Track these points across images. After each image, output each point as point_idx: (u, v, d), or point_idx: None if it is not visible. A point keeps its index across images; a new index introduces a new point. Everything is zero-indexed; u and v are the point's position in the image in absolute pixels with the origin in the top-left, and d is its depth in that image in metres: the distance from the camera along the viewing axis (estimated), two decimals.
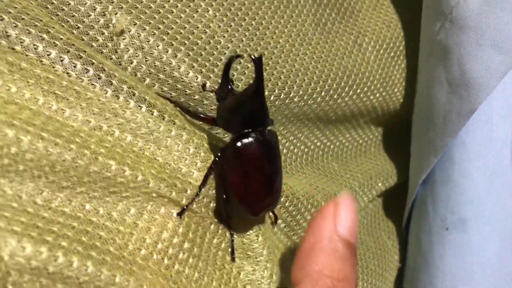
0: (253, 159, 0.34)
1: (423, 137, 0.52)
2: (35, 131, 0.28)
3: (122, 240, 0.30)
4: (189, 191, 0.33)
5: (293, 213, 0.43)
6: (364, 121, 0.55)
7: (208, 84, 0.36)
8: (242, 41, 0.41)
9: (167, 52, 0.36)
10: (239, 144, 0.33)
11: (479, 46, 0.45)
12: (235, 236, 0.36)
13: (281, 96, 0.43)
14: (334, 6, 0.50)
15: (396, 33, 0.56)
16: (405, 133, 0.58)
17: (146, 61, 0.35)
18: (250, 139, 0.33)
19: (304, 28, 0.47)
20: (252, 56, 0.30)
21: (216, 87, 0.35)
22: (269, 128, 0.35)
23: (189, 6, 0.39)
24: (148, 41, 0.36)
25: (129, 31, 0.35)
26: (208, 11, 0.40)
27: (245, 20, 0.42)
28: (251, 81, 0.40)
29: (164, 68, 0.36)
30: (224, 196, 0.34)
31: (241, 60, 0.40)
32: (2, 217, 0.26)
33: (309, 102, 0.46)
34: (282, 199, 0.41)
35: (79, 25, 0.34)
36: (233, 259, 0.35)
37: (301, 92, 0.45)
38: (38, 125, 0.28)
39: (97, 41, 0.34)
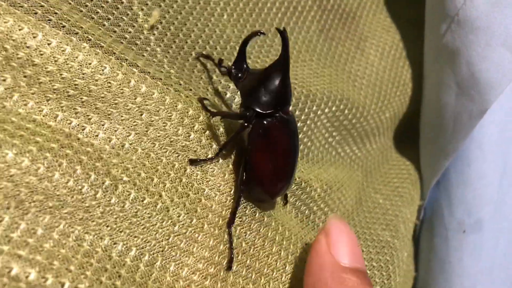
0: (280, 141, 0.33)
1: (432, 142, 0.52)
2: None
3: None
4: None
5: (306, 200, 0.41)
6: (386, 124, 0.54)
7: (223, 69, 0.34)
8: (255, 47, 0.41)
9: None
10: (269, 124, 0.32)
11: (488, 46, 0.44)
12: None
13: (304, 93, 0.42)
14: (337, 12, 0.49)
15: (397, 38, 0.56)
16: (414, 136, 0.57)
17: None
18: (279, 120, 0.32)
19: (309, 34, 0.46)
20: (278, 29, 0.29)
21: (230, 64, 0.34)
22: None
23: (206, 9, 0.38)
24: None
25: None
26: (223, 16, 0.39)
27: (255, 26, 0.41)
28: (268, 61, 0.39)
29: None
30: (244, 176, 0.32)
31: (259, 40, 0.39)
32: None
33: (329, 101, 0.45)
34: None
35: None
36: (229, 226, 0.32)
37: (319, 94, 0.44)
38: None
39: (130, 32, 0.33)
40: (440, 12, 0.48)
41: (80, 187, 0.27)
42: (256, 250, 0.34)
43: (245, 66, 0.32)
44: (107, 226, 0.27)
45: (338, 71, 0.47)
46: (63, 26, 0.28)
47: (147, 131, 0.30)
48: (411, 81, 0.55)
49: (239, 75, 0.32)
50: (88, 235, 0.26)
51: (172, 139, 0.31)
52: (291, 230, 0.37)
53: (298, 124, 0.41)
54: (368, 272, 0.42)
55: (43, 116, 0.27)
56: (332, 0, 0.49)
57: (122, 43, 0.32)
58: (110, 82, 0.29)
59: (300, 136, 0.41)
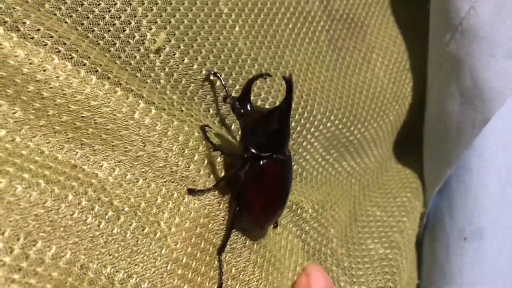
0: (274, 180, 0.34)
1: (435, 150, 0.52)
2: None
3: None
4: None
5: (298, 221, 0.43)
6: (383, 137, 0.55)
7: (228, 99, 0.35)
8: (266, 59, 0.41)
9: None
10: (265, 166, 0.33)
11: (492, 56, 0.45)
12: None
13: (305, 115, 0.43)
14: (345, 21, 0.50)
15: (402, 48, 0.56)
16: (414, 147, 0.58)
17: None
18: (275, 161, 0.33)
19: (319, 46, 0.46)
20: (285, 76, 0.29)
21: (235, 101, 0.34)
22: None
23: (218, 22, 0.38)
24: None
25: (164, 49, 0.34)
26: (235, 28, 0.39)
27: (267, 38, 0.41)
28: (276, 101, 0.40)
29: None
30: (237, 208, 0.34)
31: (267, 79, 0.39)
32: None
33: (331, 118, 0.45)
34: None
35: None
36: (219, 253, 0.34)
37: (322, 110, 0.44)
38: None
39: (135, 58, 0.33)
40: (444, 21, 0.49)
41: (84, 218, 0.28)
42: (246, 275, 0.35)
43: (249, 104, 0.33)
44: (110, 255, 0.28)
45: (345, 84, 0.47)
46: (72, 58, 0.29)
47: (149, 162, 0.31)
48: (411, 93, 0.56)
49: (242, 111, 0.33)
50: (92, 264, 0.28)
51: (172, 170, 0.32)
52: (276, 256, 0.38)
53: (294, 146, 0.43)
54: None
55: (51, 148, 0.28)
56: (341, 10, 0.49)
57: (127, 70, 0.32)
58: (115, 115, 0.30)
59: (296, 157, 0.43)
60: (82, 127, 0.29)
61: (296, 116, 0.42)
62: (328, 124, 0.45)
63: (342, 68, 0.49)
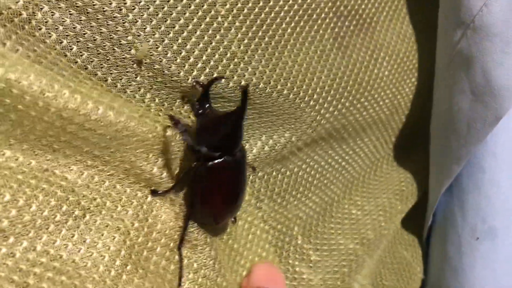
0: (222, 181, 0.36)
1: (444, 147, 0.51)
2: None
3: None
4: None
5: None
6: (374, 137, 0.53)
7: (187, 99, 0.36)
8: (261, 62, 0.39)
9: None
10: (211, 166, 0.34)
11: (505, 54, 0.44)
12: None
13: (297, 112, 0.43)
14: (353, 18, 0.47)
15: (409, 46, 0.54)
16: (417, 147, 0.57)
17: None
18: (223, 162, 0.35)
19: (322, 44, 0.44)
20: (241, 85, 0.31)
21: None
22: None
23: (212, 25, 0.36)
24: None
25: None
26: (230, 30, 0.37)
27: (264, 39, 0.39)
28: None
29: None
30: (191, 203, 0.36)
31: (230, 83, 0.38)
32: None
33: (322, 121, 0.45)
34: None
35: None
36: (179, 248, 0.36)
37: (317, 107, 0.44)
38: None
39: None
40: (455, 18, 0.48)
41: (53, 216, 0.30)
42: (207, 270, 0.37)
43: (207, 105, 0.35)
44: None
45: (349, 84, 0.46)
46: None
47: (116, 166, 0.33)
48: (414, 94, 0.54)
49: (200, 111, 0.35)
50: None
51: (136, 172, 0.34)
52: (240, 252, 0.41)
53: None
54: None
55: (25, 154, 0.30)
56: (350, 6, 0.46)
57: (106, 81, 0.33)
58: (85, 125, 0.31)
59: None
60: (55, 136, 0.30)
61: (286, 116, 0.42)
62: (323, 123, 0.45)
63: (348, 66, 0.47)
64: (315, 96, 0.43)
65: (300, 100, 0.42)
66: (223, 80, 0.35)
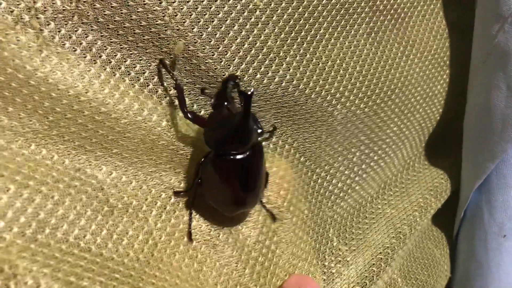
0: (227, 176, 0.36)
1: (478, 144, 0.51)
2: None
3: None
4: None
5: None
6: (407, 137, 0.53)
7: (207, 91, 0.36)
8: (296, 57, 0.39)
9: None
10: (217, 162, 0.35)
11: None
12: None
13: (329, 109, 0.42)
14: (388, 12, 0.46)
15: (441, 43, 0.53)
16: (448, 144, 0.56)
17: None
18: (228, 159, 0.35)
19: (356, 39, 0.44)
20: (242, 91, 0.30)
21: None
22: (257, 143, 0.36)
23: (250, 19, 0.36)
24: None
25: None
26: (268, 24, 0.37)
27: (301, 33, 0.39)
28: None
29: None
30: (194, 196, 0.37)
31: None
32: None
33: (353, 118, 0.44)
34: None
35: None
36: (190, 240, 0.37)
37: (346, 105, 0.43)
38: None
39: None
40: (493, 12, 0.47)
41: (84, 212, 0.31)
42: (229, 269, 0.38)
43: (225, 101, 0.34)
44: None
45: (380, 81, 0.45)
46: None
47: (143, 167, 0.35)
48: (446, 92, 0.53)
49: (216, 106, 0.35)
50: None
51: (161, 174, 0.36)
52: (276, 252, 0.40)
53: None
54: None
55: (60, 153, 0.31)
56: (385, 1, 0.46)
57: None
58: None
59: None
60: (87, 137, 0.32)
61: (319, 113, 0.41)
62: (354, 119, 0.44)
63: (380, 62, 0.46)
64: (346, 93, 0.43)
65: (332, 97, 0.42)
66: (238, 80, 0.35)
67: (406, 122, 0.50)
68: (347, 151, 0.46)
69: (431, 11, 0.52)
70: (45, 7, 0.29)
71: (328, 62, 0.41)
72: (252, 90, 0.29)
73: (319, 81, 0.40)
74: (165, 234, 0.35)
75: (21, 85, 0.29)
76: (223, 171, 0.35)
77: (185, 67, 0.33)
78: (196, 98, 0.36)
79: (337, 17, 0.42)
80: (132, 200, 0.34)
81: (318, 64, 0.40)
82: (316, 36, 0.40)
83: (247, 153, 0.35)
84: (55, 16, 0.29)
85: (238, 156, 0.35)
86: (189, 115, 0.34)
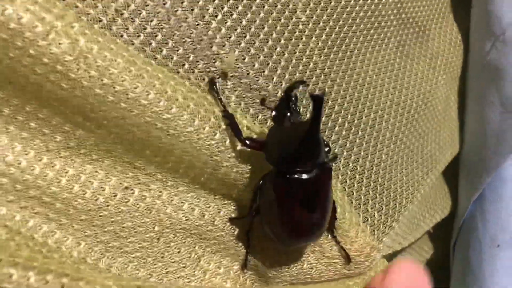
0: (290, 199, 0.30)
1: (474, 157, 0.50)
2: None
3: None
4: None
5: None
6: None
7: (267, 101, 0.31)
8: (339, 73, 0.35)
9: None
10: (279, 181, 0.30)
11: None
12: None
13: (368, 130, 0.38)
14: (411, 25, 0.44)
15: (459, 53, 0.51)
16: None
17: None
18: (293, 179, 0.29)
19: (387, 53, 0.41)
20: (313, 94, 0.25)
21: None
22: (324, 162, 0.30)
23: (295, 32, 0.32)
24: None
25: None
26: (311, 38, 0.33)
27: (342, 47, 0.36)
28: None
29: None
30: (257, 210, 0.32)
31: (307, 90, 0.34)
32: None
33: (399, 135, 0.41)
34: None
35: None
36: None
37: (384, 124, 0.40)
38: None
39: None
40: (485, 30, 0.48)
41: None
42: None
43: (288, 112, 0.29)
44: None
45: (409, 94, 0.42)
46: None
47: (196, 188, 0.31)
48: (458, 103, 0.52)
49: (277, 118, 0.30)
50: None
51: (215, 197, 0.32)
52: None
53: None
54: None
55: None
56: (409, 13, 0.44)
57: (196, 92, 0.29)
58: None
59: None
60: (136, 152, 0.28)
61: (360, 133, 0.37)
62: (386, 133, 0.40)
63: (411, 76, 0.43)
64: (386, 109, 0.40)
65: (375, 114, 0.38)
66: (306, 85, 0.31)
67: (439, 135, 0.47)
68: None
69: (446, 23, 0.50)
70: None
71: (366, 78, 0.38)
72: (323, 92, 0.24)
73: (360, 99, 0.37)
74: (214, 261, 0.32)
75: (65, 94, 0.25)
76: (286, 192, 0.30)
77: (234, 89, 0.29)
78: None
79: (371, 30, 0.39)
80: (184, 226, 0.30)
81: (358, 80, 0.37)
82: (354, 50, 0.37)
83: (314, 172, 0.29)
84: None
85: (304, 176, 0.29)
86: (246, 141, 0.29)
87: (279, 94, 0.31)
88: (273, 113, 0.29)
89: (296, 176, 0.29)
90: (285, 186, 0.30)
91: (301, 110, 0.31)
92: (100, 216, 0.27)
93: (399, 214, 0.37)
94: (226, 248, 0.32)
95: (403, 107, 0.41)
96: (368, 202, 0.35)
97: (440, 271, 0.52)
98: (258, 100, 0.31)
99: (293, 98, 0.29)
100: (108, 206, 0.28)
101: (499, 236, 0.47)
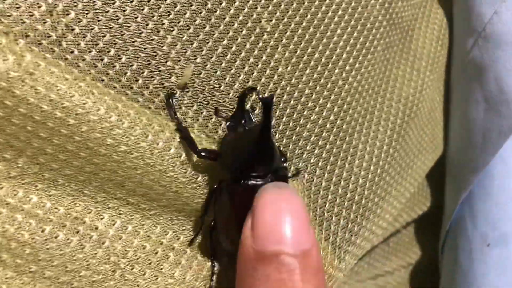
0: (244, 207, 0.28)
1: (461, 156, 0.50)
2: None
3: None
4: None
5: None
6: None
7: (219, 113, 0.31)
8: (309, 84, 0.34)
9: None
10: (233, 188, 0.29)
11: None
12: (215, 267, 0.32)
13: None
14: (399, 25, 0.42)
15: (444, 52, 0.50)
16: None
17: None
18: (246, 184, 0.29)
19: (374, 57, 0.39)
20: (261, 96, 0.25)
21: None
22: (279, 169, 0.30)
23: (258, 44, 0.31)
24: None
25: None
26: (277, 48, 0.32)
27: (314, 55, 0.34)
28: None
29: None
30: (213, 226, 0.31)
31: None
32: None
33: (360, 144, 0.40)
34: None
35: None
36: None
37: (356, 135, 0.39)
38: None
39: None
40: (467, 27, 0.48)
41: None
42: None
43: (243, 119, 0.30)
44: None
45: (393, 101, 0.41)
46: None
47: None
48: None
49: (233, 126, 0.30)
50: None
51: (173, 217, 0.30)
52: None
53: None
54: None
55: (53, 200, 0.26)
56: (399, 12, 0.42)
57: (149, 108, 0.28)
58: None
59: None
60: (85, 180, 0.27)
61: (328, 145, 0.36)
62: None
63: (397, 80, 0.42)
64: (365, 123, 0.39)
65: (348, 126, 0.37)
66: (252, 90, 0.30)
67: (421, 140, 0.46)
68: None
69: (433, 20, 0.49)
70: None
71: (345, 86, 0.37)
72: (272, 95, 0.24)
73: (333, 109, 0.36)
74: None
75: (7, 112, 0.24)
76: (240, 199, 0.29)
77: (190, 104, 0.29)
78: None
79: (354, 34, 0.37)
80: (139, 254, 0.29)
81: (334, 89, 0.36)
82: (331, 57, 0.36)
83: (269, 178, 0.29)
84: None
85: (259, 181, 0.29)
86: (202, 153, 0.28)
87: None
88: (228, 123, 0.29)
89: (250, 182, 0.29)
90: (239, 193, 0.29)
91: (253, 117, 0.31)
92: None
93: (363, 230, 0.37)
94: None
95: (385, 118, 0.40)
96: (332, 219, 0.35)
97: (429, 274, 0.53)
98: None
99: (245, 106, 0.29)
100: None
101: (489, 235, 0.47)
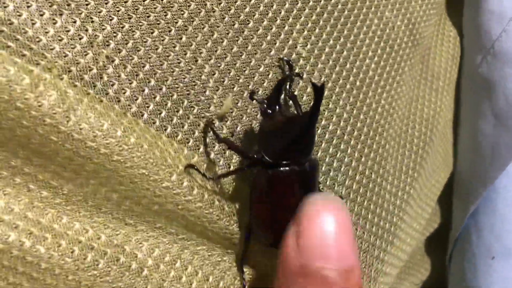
0: (284, 193, 0.29)
1: (469, 171, 0.50)
2: None
3: None
4: None
5: None
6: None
7: (257, 93, 0.30)
8: (346, 107, 0.33)
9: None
10: (273, 176, 0.28)
11: None
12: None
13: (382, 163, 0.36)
14: (421, 45, 0.42)
15: (457, 68, 0.50)
16: None
17: None
18: (287, 172, 0.28)
19: (402, 79, 0.39)
20: (314, 83, 0.24)
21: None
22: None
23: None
24: None
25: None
26: (313, 74, 0.31)
27: (349, 78, 0.33)
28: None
29: None
30: (249, 222, 0.30)
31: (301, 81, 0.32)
32: None
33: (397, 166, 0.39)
34: None
35: None
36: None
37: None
38: None
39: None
40: (476, 43, 0.47)
41: None
42: None
43: (277, 105, 0.29)
44: None
45: (416, 122, 0.41)
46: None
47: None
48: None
49: (268, 111, 0.29)
50: None
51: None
52: None
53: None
54: None
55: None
56: (421, 31, 0.41)
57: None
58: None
59: None
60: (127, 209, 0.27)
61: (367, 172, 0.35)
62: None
63: (412, 103, 0.41)
64: (396, 147, 0.38)
65: (383, 150, 0.36)
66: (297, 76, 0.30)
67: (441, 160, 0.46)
68: None
69: (447, 38, 0.48)
70: None
71: (377, 109, 0.36)
72: (324, 82, 0.22)
73: (376, 137, 0.35)
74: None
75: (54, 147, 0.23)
76: (280, 184, 0.28)
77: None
78: None
79: (384, 56, 0.36)
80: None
81: (369, 113, 0.35)
82: (365, 81, 0.35)
83: (305, 166, 0.28)
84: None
85: (297, 169, 0.28)
86: (255, 156, 0.28)
87: None
88: (264, 105, 0.28)
89: (290, 167, 0.27)
90: (279, 178, 0.28)
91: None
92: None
93: (388, 256, 0.36)
94: None
95: (410, 141, 0.40)
96: (361, 247, 0.34)
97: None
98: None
99: (286, 90, 0.28)
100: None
101: (494, 248, 0.47)
